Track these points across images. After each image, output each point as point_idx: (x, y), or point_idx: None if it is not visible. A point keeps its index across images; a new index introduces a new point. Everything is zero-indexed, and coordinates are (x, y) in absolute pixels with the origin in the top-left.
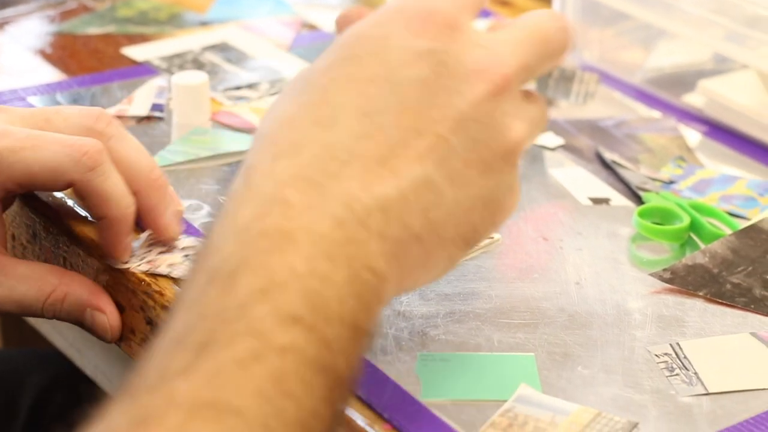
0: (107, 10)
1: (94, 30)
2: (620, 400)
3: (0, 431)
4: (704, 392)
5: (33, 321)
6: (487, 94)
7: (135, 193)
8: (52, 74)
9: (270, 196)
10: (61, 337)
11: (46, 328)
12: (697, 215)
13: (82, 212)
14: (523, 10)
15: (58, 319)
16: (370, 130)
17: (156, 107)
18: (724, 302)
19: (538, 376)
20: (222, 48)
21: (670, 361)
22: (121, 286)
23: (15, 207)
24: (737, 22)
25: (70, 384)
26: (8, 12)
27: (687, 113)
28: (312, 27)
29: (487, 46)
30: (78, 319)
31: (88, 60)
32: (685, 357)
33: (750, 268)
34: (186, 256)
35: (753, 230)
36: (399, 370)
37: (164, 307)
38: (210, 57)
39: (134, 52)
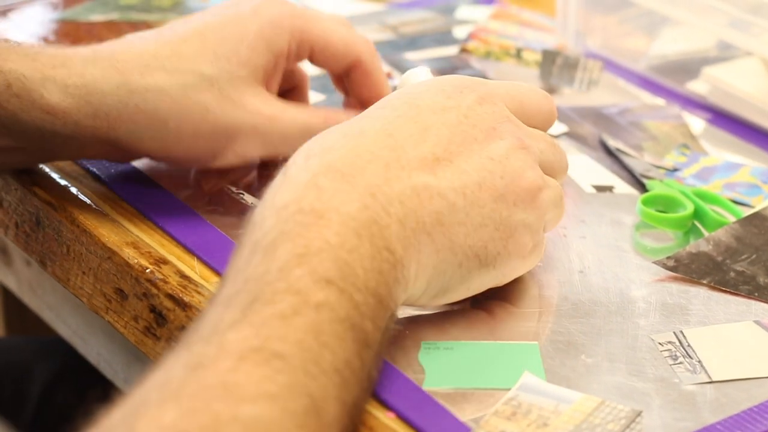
0: None
1: (97, 17)
2: (624, 389)
3: (9, 420)
4: (708, 380)
5: (36, 308)
6: (507, 147)
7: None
8: None
9: (305, 182)
10: (65, 325)
11: (49, 315)
12: (701, 203)
13: (86, 199)
14: None
15: None
16: (391, 143)
17: None
18: (728, 290)
19: (541, 364)
20: None
21: (673, 349)
22: (124, 273)
23: (19, 194)
24: (741, 9)
25: (78, 373)
26: None
27: (691, 100)
28: None
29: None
30: None
31: None
32: (688, 345)
33: (754, 256)
34: None
35: (757, 218)
36: (402, 358)
37: (168, 295)
38: None
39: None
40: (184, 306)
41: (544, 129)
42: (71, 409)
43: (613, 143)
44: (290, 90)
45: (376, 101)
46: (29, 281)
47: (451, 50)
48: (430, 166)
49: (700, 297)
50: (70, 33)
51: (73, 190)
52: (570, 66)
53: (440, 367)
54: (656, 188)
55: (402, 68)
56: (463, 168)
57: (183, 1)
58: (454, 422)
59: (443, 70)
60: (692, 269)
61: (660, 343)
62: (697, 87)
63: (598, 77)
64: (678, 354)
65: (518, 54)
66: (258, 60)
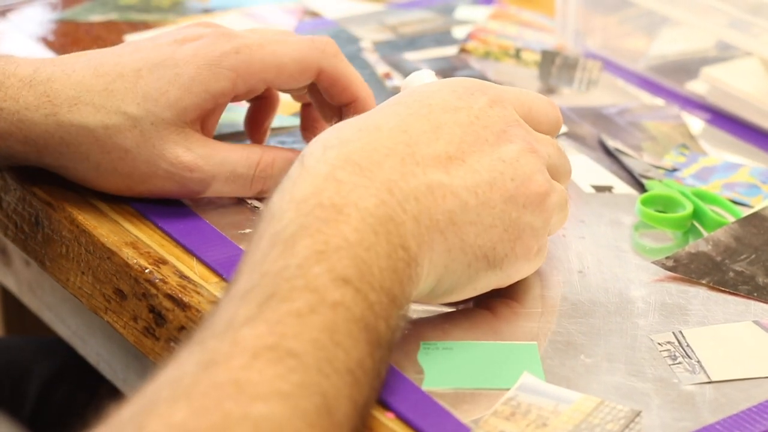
0: None
1: (96, 17)
2: (623, 389)
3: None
4: (707, 380)
5: (36, 309)
6: (517, 150)
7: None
8: None
9: (324, 175)
10: (64, 325)
11: (48, 316)
12: (700, 203)
13: (85, 200)
14: None
15: (265, 193)
16: (406, 139)
17: None
18: (727, 290)
19: (541, 364)
20: None
21: (672, 349)
22: (123, 273)
23: (18, 194)
24: (741, 9)
25: (77, 373)
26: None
27: (690, 101)
28: (314, 14)
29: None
30: None
31: (90, 47)
32: (687, 345)
33: (753, 256)
34: None
35: (756, 218)
36: (402, 358)
37: (167, 295)
38: None
39: (137, 39)
40: (183, 306)
41: (551, 135)
42: (70, 408)
43: (612, 143)
44: (260, 97)
45: (357, 104)
46: (29, 281)
47: (451, 50)
48: (444, 164)
49: (700, 297)
50: (69, 33)
51: (72, 190)
52: (569, 66)
53: (439, 367)
54: (655, 188)
55: (401, 68)
56: (476, 168)
57: (182, 1)
58: (454, 422)
59: (443, 70)
60: (691, 269)
61: (659, 343)
62: (696, 87)
63: (597, 77)
64: (677, 354)
65: (517, 54)
66: (189, 101)
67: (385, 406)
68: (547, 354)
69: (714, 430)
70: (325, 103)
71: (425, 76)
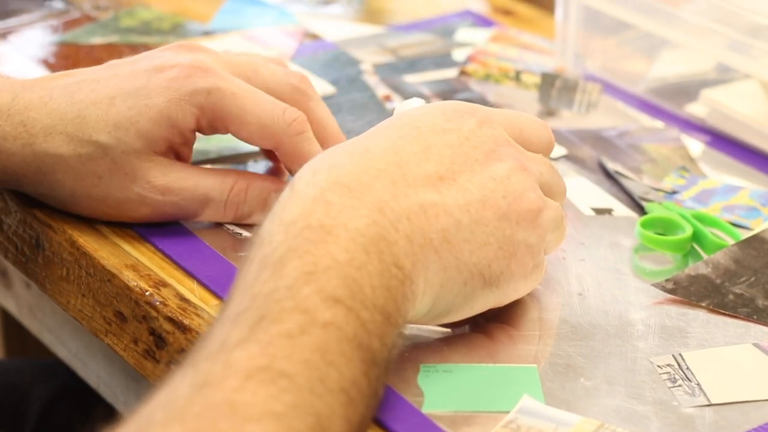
0: (110, 20)
1: (97, 40)
2: (623, 412)
3: None
4: (707, 403)
5: (36, 331)
6: (508, 168)
7: None
8: None
9: (312, 197)
10: (65, 347)
11: (48, 338)
12: (700, 225)
13: (85, 222)
14: (525, 20)
15: (240, 218)
16: (396, 161)
17: None
18: (727, 313)
19: (540, 387)
20: None
21: (672, 372)
22: (124, 296)
23: (18, 217)
24: (740, 32)
25: (77, 395)
26: (12, 22)
27: (690, 123)
28: (315, 37)
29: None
30: (262, 208)
31: None
32: (687, 368)
33: (753, 279)
34: None
35: (756, 240)
36: (401, 380)
37: (167, 318)
38: None
39: (118, 62)
40: (183, 329)
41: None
42: (69, 430)
43: (612, 166)
44: None
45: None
46: (29, 304)
47: (451, 73)
48: (434, 183)
49: (699, 320)
50: (70, 56)
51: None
52: (569, 88)
53: (439, 390)
54: (655, 211)
55: (401, 91)
56: (467, 186)
57: (182, 24)
58: None
59: (443, 92)
60: (691, 292)
61: (659, 366)
62: (696, 109)
63: (597, 100)
64: (677, 377)
65: (517, 76)
66: (157, 134)
67: (386, 428)
68: (546, 377)
69: None
70: None
71: (415, 105)
